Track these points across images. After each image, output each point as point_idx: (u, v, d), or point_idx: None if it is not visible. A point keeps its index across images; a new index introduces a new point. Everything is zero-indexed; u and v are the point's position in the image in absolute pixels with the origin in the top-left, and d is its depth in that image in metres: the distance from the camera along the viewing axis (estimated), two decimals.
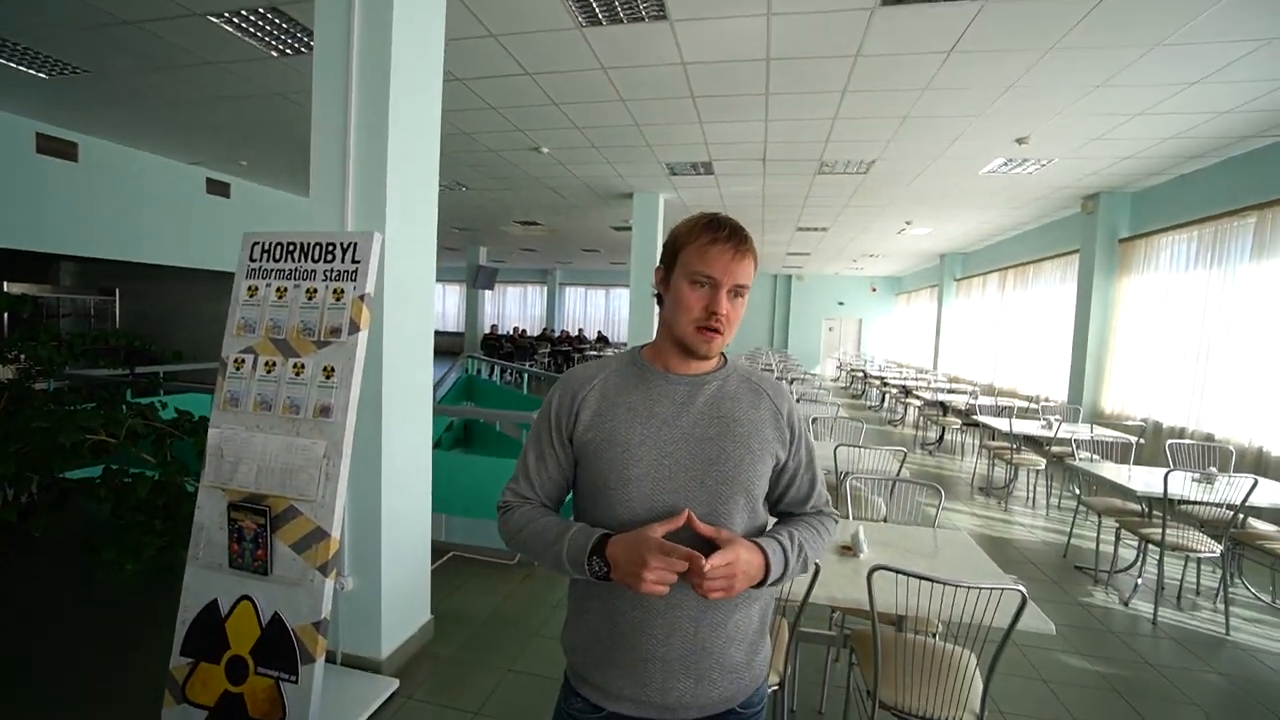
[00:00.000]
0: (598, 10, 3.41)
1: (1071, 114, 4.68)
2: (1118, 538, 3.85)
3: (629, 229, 9.83)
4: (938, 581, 1.59)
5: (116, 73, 4.64)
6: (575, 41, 3.80)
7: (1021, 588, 1.57)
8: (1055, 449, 5.51)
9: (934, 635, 2.15)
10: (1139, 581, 3.61)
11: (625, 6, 3.35)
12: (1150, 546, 3.46)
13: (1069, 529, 4.36)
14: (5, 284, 8.46)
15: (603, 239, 12.52)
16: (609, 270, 19.22)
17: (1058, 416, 5.75)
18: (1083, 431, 5.46)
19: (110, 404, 3.29)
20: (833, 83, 4.29)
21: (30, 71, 4.68)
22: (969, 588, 1.58)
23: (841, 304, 18.39)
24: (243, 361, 2.20)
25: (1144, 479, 3.64)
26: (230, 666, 2.05)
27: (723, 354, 1.10)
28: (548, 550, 0.99)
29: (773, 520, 1.12)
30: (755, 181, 7.25)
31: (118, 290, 9.77)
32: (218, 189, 8.10)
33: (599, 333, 20.16)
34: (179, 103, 5.28)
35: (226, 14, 3.59)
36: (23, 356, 3.39)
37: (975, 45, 3.64)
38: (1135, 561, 3.75)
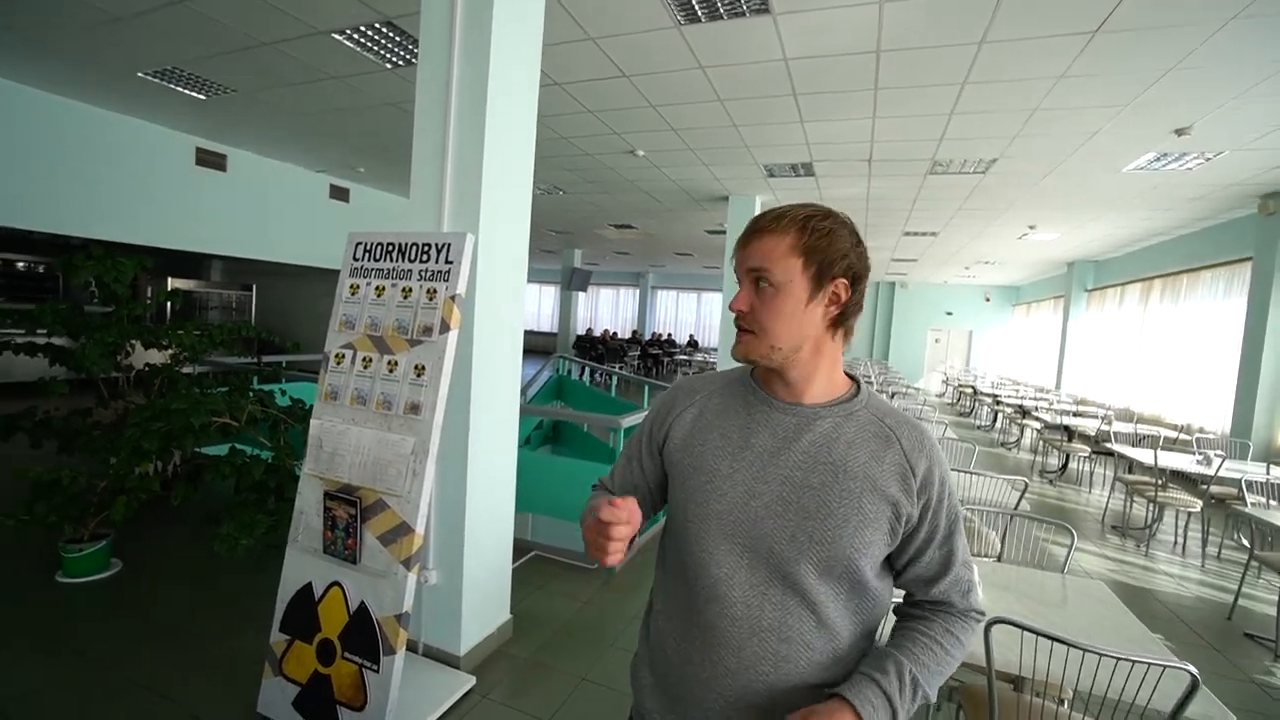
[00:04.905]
0: (697, 7, 3.31)
1: (1251, 97, 3.99)
2: None
3: (723, 232, 9.68)
4: (1083, 649, 1.33)
5: (255, 90, 5.13)
6: (673, 41, 3.72)
7: (1192, 668, 1.29)
8: (1215, 489, 4.73)
9: (1061, 702, 1.85)
10: None
11: (726, 1, 3.23)
12: None
13: (1236, 587, 3.70)
14: (169, 280, 9.67)
15: (696, 242, 12.40)
16: (702, 274, 19.10)
17: (1219, 452, 4.94)
18: (1254, 471, 4.64)
19: (239, 389, 3.61)
20: (951, 74, 3.93)
21: (192, 94, 5.29)
22: (1120, 659, 1.31)
23: (950, 314, 17.12)
24: (343, 357, 2.29)
25: None
26: (321, 648, 2.14)
27: (855, 382, 0.92)
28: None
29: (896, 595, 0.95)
30: (859, 183, 6.85)
31: (254, 286, 10.89)
32: (339, 194, 8.81)
33: (690, 336, 20.06)
34: (306, 115, 5.76)
35: (347, 30, 3.84)
36: (172, 344, 3.81)
37: (1126, 23, 3.18)
38: None
